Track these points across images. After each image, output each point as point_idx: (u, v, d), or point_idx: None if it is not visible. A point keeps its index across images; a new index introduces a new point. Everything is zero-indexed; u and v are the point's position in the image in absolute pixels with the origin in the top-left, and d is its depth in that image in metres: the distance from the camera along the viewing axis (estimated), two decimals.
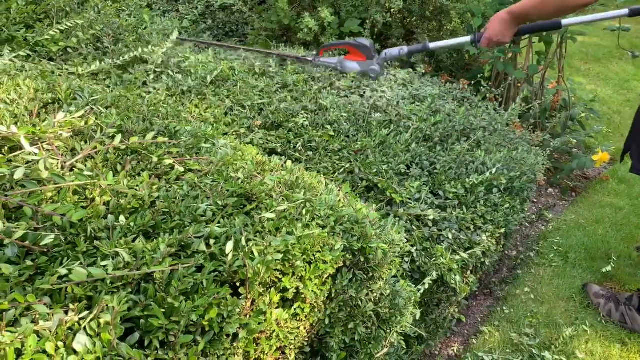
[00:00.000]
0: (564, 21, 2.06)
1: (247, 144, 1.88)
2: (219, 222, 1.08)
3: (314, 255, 1.12)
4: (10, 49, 2.03)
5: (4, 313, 0.77)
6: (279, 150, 1.95)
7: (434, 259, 1.74)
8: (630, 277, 2.54)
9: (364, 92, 2.42)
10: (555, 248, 2.76)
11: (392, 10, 3.45)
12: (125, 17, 2.67)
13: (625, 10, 1.96)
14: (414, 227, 1.78)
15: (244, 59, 2.58)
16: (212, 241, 1.01)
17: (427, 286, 1.65)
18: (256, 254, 1.00)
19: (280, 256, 1.01)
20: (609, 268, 2.52)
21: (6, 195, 0.94)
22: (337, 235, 1.19)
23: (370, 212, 1.33)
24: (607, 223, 2.99)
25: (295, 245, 1.06)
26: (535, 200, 3.24)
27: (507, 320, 2.27)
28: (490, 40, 2.13)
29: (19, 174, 0.97)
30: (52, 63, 2.08)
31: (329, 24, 3.24)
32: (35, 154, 1.06)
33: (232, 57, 2.59)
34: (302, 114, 2.10)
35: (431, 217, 1.79)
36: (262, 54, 2.50)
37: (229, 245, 0.98)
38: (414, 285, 1.59)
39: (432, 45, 2.23)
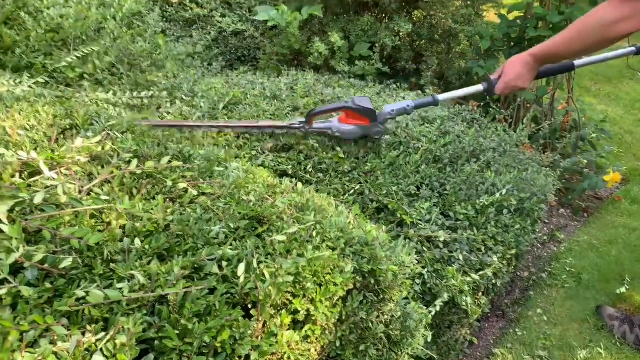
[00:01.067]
0: (577, 62, 2.00)
1: (259, 166, 1.91)
2: (231, 245, 1.10)
3: (324, 277, 1.13)
4: (29, 75, 2.09)
5: (24, 334, 0.80)
6: (290, 172, 1.97)
7: (445, 280, 1.74)
8: None
9: None
10: (567, 269, 2.74)
11: (400, 33, 3.50)
12: (140, 43, 2.74)
13: (633, 49, 1.98)
14: (424, 248, 1.79)
15: (252, 82, 2.62)
16: (224, 263, 1.03)
17: (438, 308, 1.65)
18: (267, 276, 1.02)
19: (291, 278, 1.03)
20: (623, 289, 2.49)
21: (26, 219, 0.97)
22: (347, 257, 1.21)
23: (380, 234, 1.35)
24: (620, 244, 2.96)
25: (305, 267, 1.08)
26: (547, 221, 3.22)
27: (519, 342, 2.25)
28: (508, 85, 1.91)
29: (38, 199, 1.00)
30: (69, 89, 2.14)
31: (338, 48, 3.29)
32: (54, 179, 1.09)
33: (243, 81, 2.64)
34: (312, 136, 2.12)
35: (442, 239, 1.80)
36: (243, 128, 2.07)
37: (241, 268, 1.00)
38: (425, 307, 1.59)
39: (442, 97, 2.04)
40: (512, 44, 3.32)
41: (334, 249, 1.20)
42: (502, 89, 1.93)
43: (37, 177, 1.11)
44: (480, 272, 1.85)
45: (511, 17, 3.30)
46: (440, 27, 3.68)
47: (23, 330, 0.80)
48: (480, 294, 1.94)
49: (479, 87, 2.01)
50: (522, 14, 3.24)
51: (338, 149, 2.08)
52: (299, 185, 1.47)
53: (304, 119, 2.01)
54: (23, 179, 1.10)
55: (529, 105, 3.41)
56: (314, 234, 1.20)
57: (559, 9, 3.10)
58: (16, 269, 0.90)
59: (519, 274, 2.69)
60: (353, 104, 1.94)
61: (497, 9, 3.84)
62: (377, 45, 3.36)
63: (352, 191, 1.91)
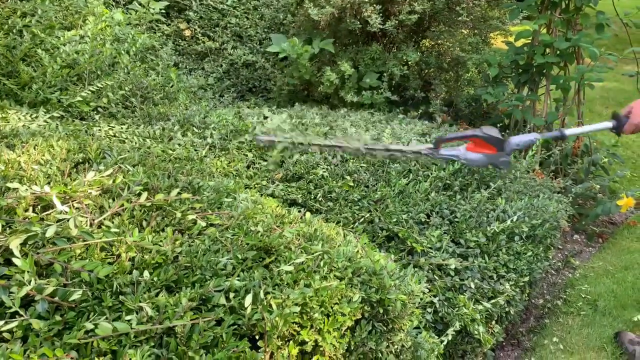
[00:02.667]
0: None
1: (269, 195, 1.93)
2: (238, 276, 1.11)
3: (332, 307, 1.13)
4: (45, 110, 2.15)
5: None
6: (300, 201, 1.99)
7: (456, 309, 1.73)
8: None
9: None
10: (583, 296, 2.69)
11: (409, 62, 3.54)
12: (153, 77, 2.81)
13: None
14: (435, 276, 1.78)
15: (259, 114, 2.66)
16: (231, 294, 1.04)
17: (450, 337, 1.63)
18: (274, 306, 1.02)
19: (298, 309, 1.03)
20: None
21: (38, 253, 0.99)
22: (355, 287, 1.21)
23: (389, 263, 1.35)
24: (636, 269, 2.91)
25: (313, 297, 1.08)
26: (561, 247, 3.18)
27: None
28: (638, 127, 1.93)
29: (50, 232, 1.02)
30: (83, 122, 2.19)
31: (348, 77, 3.33)
32: (66, 212, 1.11)
33: (251, 113, 2.68)
34: (322, 165, 2.14)
35: (453, 266, 1.79)
36: (374, 150, 2.09)
37: (248, 299, 1.01)
38: (437, 337, 1.58)
39: (569, 131, 2.01)
40: (520, 70, 3.34)
41: (341, 279, 1.20)
42: (632, 129, 1.94)
43: (50, 211, 1.14)
44: (493, 300, 1.83)
45: (518, 44, 3.33)
46: (448, 55, 3.72)
47: None
48: (494, 322, 1.92)
49: (607, 124, 1.99)
50: (529, 41, 3.27)
51: (348, 177, 2.10)
52: (307, 214, 1.49)
53: (432, 145, 2.01)
54: (36, 213, 1.12)
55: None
56: (322, 263, 1.21)
57: (565, 35, 3.13)
58: (27, 302, 0.92)
59: (533, 301, 2.65)
60: (482, 132, 1.93)
61: (504, 36, 3.88)
62: (385, 74, 3.40)
63: (362, 219, 1.92)
